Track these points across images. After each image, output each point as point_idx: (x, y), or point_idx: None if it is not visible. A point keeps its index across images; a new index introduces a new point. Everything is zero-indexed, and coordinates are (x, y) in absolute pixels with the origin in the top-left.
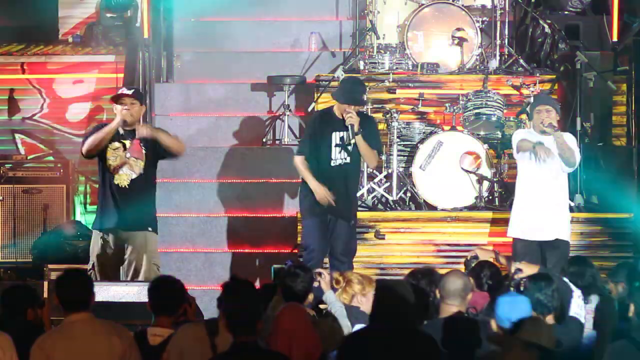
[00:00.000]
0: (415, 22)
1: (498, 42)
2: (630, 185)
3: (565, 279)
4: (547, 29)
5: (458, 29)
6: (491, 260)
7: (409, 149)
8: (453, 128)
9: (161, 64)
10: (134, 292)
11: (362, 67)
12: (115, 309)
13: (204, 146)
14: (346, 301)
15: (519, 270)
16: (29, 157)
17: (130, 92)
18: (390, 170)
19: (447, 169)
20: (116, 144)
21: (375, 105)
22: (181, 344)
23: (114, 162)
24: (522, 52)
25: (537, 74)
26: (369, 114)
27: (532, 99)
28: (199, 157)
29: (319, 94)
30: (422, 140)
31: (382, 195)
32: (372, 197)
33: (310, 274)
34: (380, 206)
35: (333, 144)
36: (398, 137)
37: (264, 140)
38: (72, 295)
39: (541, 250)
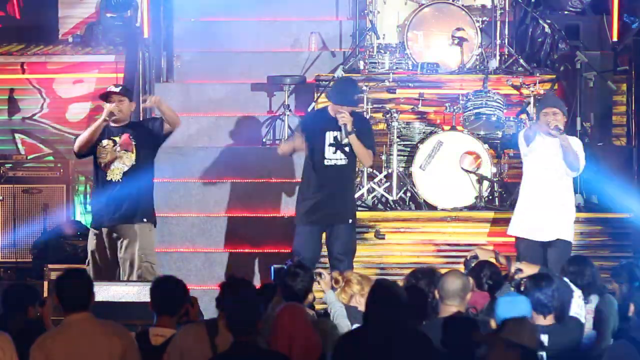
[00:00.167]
0: (415, 22)
1: (498, 42)
2: (630, 185)
3: (566, 279)
4: (547, 29)
5: (458, 29)
6: (491, 260)
7: (409, 149)
8: (453, 128)
9: (161, 64)
10: (134, 292)
11: (362, 67)
12: (115, 309)
13: (204, 146)
14: (345, 301)
15: (519, 270)
16: (29, 157)
17: (117, 89)
18: (390, 170)
19: (447, 169)
20: (106, 141)
21: (375, 105)
22: (182, 344)
23: (105, 159)
24: (522, 52)
25: (537, 74)
26: (369, 114)
27: (532, 99)
28: (199, 157)
29: (319, 94)
30: (422, 140)
31: (382, 195)
32: (372, 197)
33: (310, 274)
34: (380, 206)
35: (327, 144)
36: (398, 137)
37: (264, 140)
38: (72, 295)
39: (543, 251)
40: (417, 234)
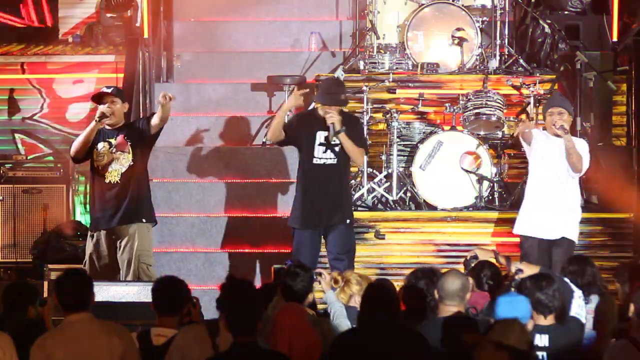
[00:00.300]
0: (415, 22)
1: (498, 42)
2: (630, 185)
3: (566, 279)
4: (547, 29)
5: (458, 29)
6: (491, 260)
7: (409, 149)
8: (453, 128)
9: (161, 64)
10: (134, 292)
11: (362, 67)
12: (115, 309)
13: (204, 146)
14: (344, 301)
15: (520, 270)
16: (29, 157)
17: (109, 90)
18: (390, 170)
19: (447, 169)
20: (102, 144)
21: (375, 105)
22: (182, 345)
23: (102, 162)
24: (522, 52)
25: (537, 74)
26: (369, 114)
27: (532, 99)
28: (199, 157)
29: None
30: (422, 140)
31: (382, 195)
32: (372, 197)
33: (310, 274)
34: (380, 206)
35: (317, 143)
36: (398, 137)
37: (264, 140)
38: (72, 295)
39: (548, 250)
40: (417, 234)
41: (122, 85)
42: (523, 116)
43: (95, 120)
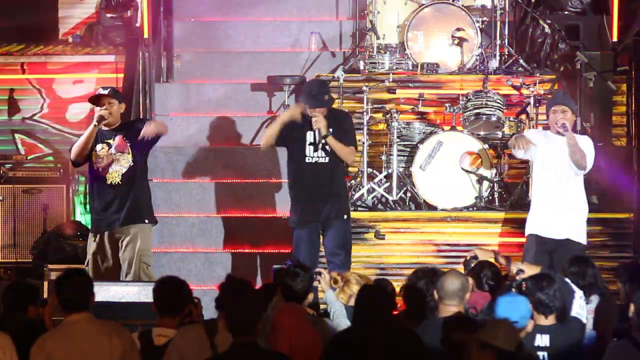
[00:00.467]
0: (415, 22)
1: (498, 42)
2: (630, 185)
3: (567, 280)
4: (547, 29)
5: (458, 29)
6: (490, 260)
7: (409, 149)
8: (453, 128)
9: (161, 64)
10: (134, 292)
11: (362, 67)
12: (115, 309)
13: (204, 146)
14: (344, 301)
15: (521, 270)
16: (29, 157)
17: (106, 91)
18: (390, 170)
19: (447, 169)
20: (100, 146)
21: (375, 105)
22: (181, 345)
23: (102, 164)
24: (522, 52)
25: (537, 74)
26: (369, 114)
27: (532, 99)
28: (199, 157)
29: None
30: (422, 140)
31: (382, 195)
32: (372, 197)
33: (310, 274)
34: (380, 206)
35: (307, 143)
36: (398, 137)
37: None
38: (72, 295)
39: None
40: (417, 234)
41: (122, 85)
42: (523, 116)
43: (94, 124)
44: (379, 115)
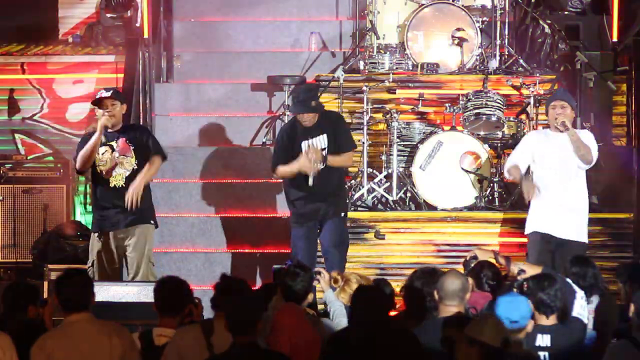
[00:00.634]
0: (415, 22)
1: (498, 42)
2: (630, 185)
3: (569, 280)
4: (547, 29)
5: (458, 29)
6: (490, 260)
7: (409, 149)
8: (453, 128)
9: (161, 64)
10: (134, 292)
11: (362, 67)
12: (115, 309)
13: (204, 146)
14: (344, 301)
15: (523, 271)
16: (29, 157)
17: (108, 93)
18: (390, 170)
19: (447, 169)
20: (103, 148)
21: (375, 106)
22: (179, 345)
23: (105, 166)
24: (522, 52)
25: (537, 74)
26: (369, 114)
27: (532, 99)
28: (199, 157)
29: (319, 95)
30: (422, 140)
31: (382, 195)
32: (372, 197)
33: (310, 274)
34: (380, 206)
35: (304, 150)
36: (398, 137)
37: (264, 140)
38: (72, 295)
39: (554, 250)
40: (417, 234)
41: (122, 85)
42: (523, 116)
43: (98, 134)
44: (379, 115)
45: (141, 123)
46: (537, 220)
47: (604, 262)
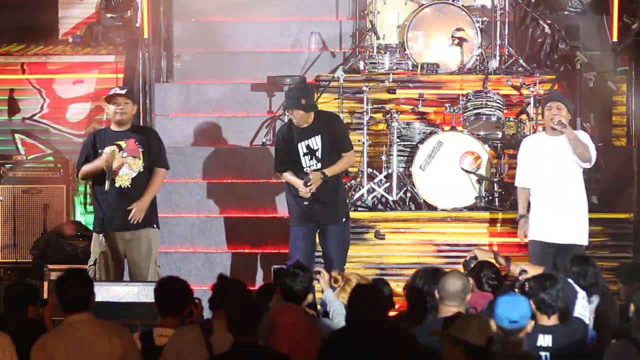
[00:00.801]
0: (415, 22)
1: (498, 42)
2: (630, 185)
3: (570, 280)
4: (547, 29)
5: (458, 29)
6: (490, 260)
7: (409, 149)
8: (453, 128)
9: (161, 64)
10: (134, 292)
11: (362, 67)
12: (115, 309)
13: (204, 146)
14: (344, 300)
15: (524, 271)
16: (29, 157)
17: (123, 91)
18: (390, 170)
19: (447, 169)
20: (111, 148)
21: (375, 106)
22: (178, 345)
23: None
24: (522, 52)
25: (537, 74)
26: (369, 114)
27: (532, 99)
28: (199, 157)
29: (319, 94)
30: (422, 140)
31: (382, 195)
32: (372, 197)
33: (309, 274)
34: (380, 206)
35: (301, 154)
36: (398, 137)
37: (264, 140)
38: (73, 295)
39: (555, 254)
40: (417, 235)
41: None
42: (523, 116)
43: (101, 164)
44: (379, 115)
45: (141, 123)
46: (538, 226)
47: (604, 262)
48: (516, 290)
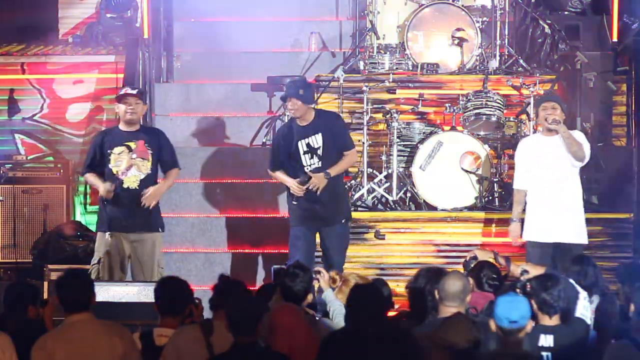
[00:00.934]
0: (415, 22)
1: (498, 42)
2: (630, 185)
3: (571, 280)
4: (547, 29)
5: (458, 29)
6: (490, 260)
7: (409, 149)
8: (453, 128)
9: (161, 64)
10: (134, 292)
11: (362, 67)
12: (116, 309)
13: (204, 146)
14: (342, 300)
15: (526, 271)
16: (29, 157)
17: (134, 91)
18: (390, 170)
19: (447, 169)
20: (120, 148)
21: (375, 106)
22: (178, 345)
23: (121, 167)
24: (522, 52)
25: (537, 74)
26: (369, 114)
27: (532, 99)
28: (199, 157)
29: (319, 94)
30: (422, 140)
31: (382, 196)
32: (372, 197)
33: (309, 274)
34: (380, 206)
35: (301, 152)
36: (398, 137)
37: (264, 140)
38: (73, 295)
39: (554, 253)
40: (417, 235)
41: (123, 85)
42: (523, 116)
43: (100, 196)
44: (379, 115)
45: (141, 123)
46: (536, 227)
47: (604, 262)
48: (518, 290)
